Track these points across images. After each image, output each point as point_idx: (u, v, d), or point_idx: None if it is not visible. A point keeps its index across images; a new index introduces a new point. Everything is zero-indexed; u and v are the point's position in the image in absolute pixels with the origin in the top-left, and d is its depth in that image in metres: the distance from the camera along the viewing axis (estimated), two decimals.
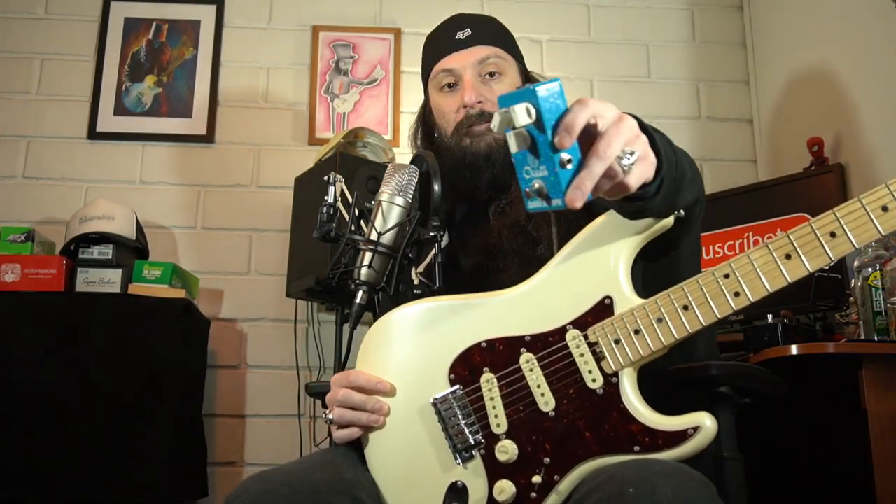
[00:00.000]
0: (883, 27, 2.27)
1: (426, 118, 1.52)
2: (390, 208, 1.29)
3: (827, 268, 0.95)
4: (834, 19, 2.56)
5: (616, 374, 1.05)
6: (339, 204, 1.39)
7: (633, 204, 1.00)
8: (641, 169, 0.89)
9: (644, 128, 0.94)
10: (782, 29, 2.92)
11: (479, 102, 1.39)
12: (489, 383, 1.13)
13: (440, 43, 1.46)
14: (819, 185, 2.41)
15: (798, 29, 2.79)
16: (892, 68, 2.24)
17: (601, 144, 0.83)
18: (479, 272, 1.36)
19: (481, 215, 1.42)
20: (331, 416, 1.21)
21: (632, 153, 0.85)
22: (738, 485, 1.26)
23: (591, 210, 1.13)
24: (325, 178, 1.40)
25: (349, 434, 1.21)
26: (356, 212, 1.33)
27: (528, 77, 1.48)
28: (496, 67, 1.41)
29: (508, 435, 1.10)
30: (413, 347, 1.21)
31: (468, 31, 1.42)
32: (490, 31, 1.46)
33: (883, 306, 1.80)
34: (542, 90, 0.80)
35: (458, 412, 1.13)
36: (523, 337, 1.13)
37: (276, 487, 1.06)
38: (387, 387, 1.19)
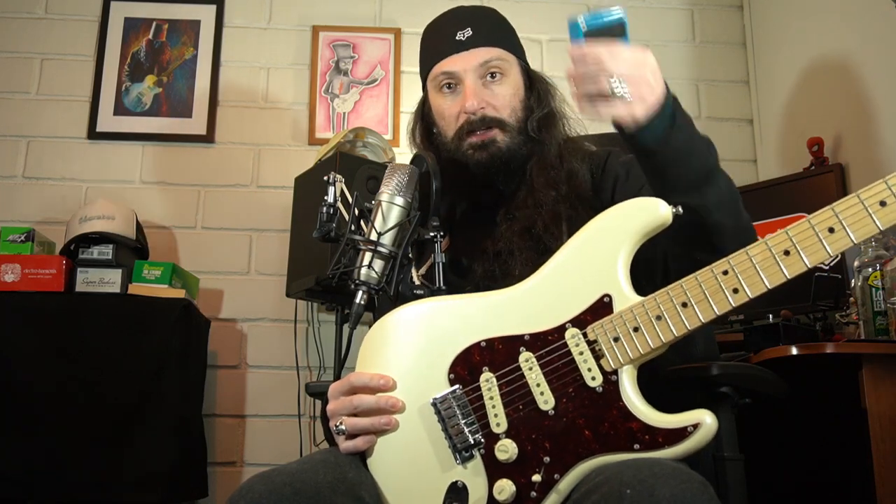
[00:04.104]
0: (884, 27, 2.27)
1: (425, 115, 1.49)
2: (390, 208, 1.29)
3: (827, 267, 0.96)
4: (834, 19, 2.56)
5: (615, 372, 1.05)
6: (339, 204, 1.38)
7: (644, 157, 1.15)
8: (630, 107, 1.08)
9: (672, 105, 1.12)
10: (782, 29, 2.92)
11: (482, 108, 1.37)
12: (488, 382, 1.12)
13: (440, 42, 1.43)
14: (819, 185, 2.41)
15: (798, 29, 2.79)
16: (893, 68, 2.24)
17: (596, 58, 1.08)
18: (485, 277, 1.34)
19: (487, 218, 1.41)
20: (343, 427, 1.17)
21: (622, 83, 1.07)
22: (738, 485, 1.26)
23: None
24: (325, 178, 1.39)
25: (363, 443, 1.17)
26: (356, 212, 1.32)
27: (529, 75, 1.47)
28: (498, 69, 1.39)
29: (508, 434, 1.09)
30: (412, 348, 1.20)
31: (469, 31, 1.39)
32: (492, 31, 1.43)
33: (883, 306, 1.80)
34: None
35: (458, 412, 1.13)
36: (522, 336, 1.12)
37: (279, 488, 1.06)
38: (390, 382, 1.18)
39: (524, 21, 3.13)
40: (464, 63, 1.39)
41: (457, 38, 1.40)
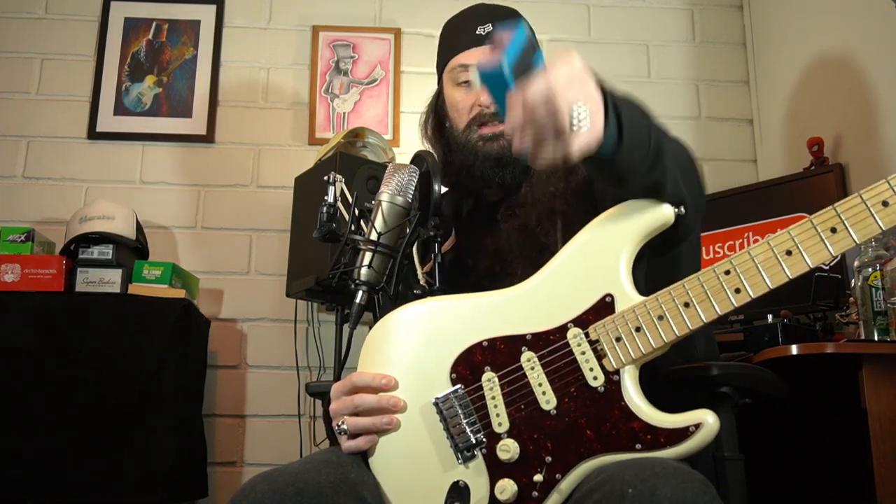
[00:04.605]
0: (884, 27, 2.27)
1: (438, 108, 1.50)
2: (390, 208, 1.29)
3: (827, 267, 0.95)
4: (834, 19, 2.56)
5: (617, 372, 1.05)
6: (339, 204, 1.38)
7: (602, 167, 1.05)
8: (593, 128, 0.93)
9: (606, 93, 0.99)
10: (782, 28, 2.92)
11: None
12: (490, 382, 1.13)
13: (460, 35, 1.44)
14: (819, 185, 2.41)
15: (798, 28, 2.80)
16: (893, 68, 2.25)
17: (547, 96, 0.89)
18: (487, 276, 1.35)
19: (490, 214, 1.41)
20: (345, 427, 1.18)
21: (579, 107, 0.91)
22: (738, 485, 1.26)
23: (596, 210, 1.13)
24: (325, 178, 1.39)
25: (365, 443, 1.18)
26: (356, 212, 1.33)
27: None
28: None
29: (510, 434, 1.10)
30: (414, 347, 1.21)
31: (490, 27, 1.40)
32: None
33: (883, 306, 1.80)
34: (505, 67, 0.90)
35: (460, 411, 1.13)
36: (524, 335, 1.13)
37: (281, 488, 1.06)
38: (392, 382, 1.19)
39: None
40: (482, 57, 1.39)
41: (477, 32, 1.41)
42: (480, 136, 1.38)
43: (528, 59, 0.89)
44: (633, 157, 1.02)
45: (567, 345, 1.09)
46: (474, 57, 1.40)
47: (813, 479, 2.20)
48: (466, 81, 1.42)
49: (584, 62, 0.94)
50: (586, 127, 0.91)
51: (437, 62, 1.51)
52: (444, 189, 1.34)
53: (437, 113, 1.50)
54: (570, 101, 0.90)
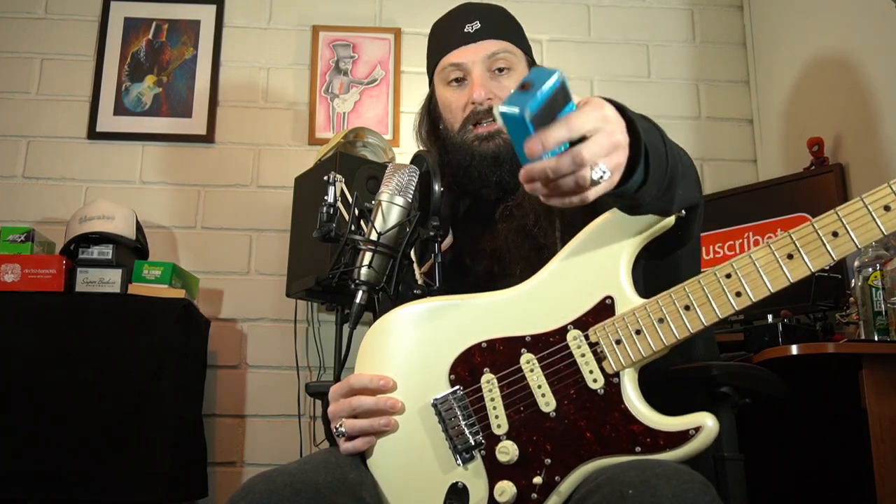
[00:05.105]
0: (884, 27, 2.27)
1: (431, 110, 1.49)
2: (390, 208, 1.29)
3: (827, 268, 0.95)
4: (834, 19, 2.56)
5: (617, 375, 1.05)
6: (339, 204, 1.38)
7: (622, 200, 1.01)
8: (612, 179, 0.89)
9: (627, 115, 0.93)
10: (782, 28, 2.92)
11: (489, 99, 1.36)
12: (490, 384, 1.12)
13: (448, 35, 1.43)
14: (819, 185, 2.41)
15: (798, 28, 2.79)
16: (893, 68, 2.24)
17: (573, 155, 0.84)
18: (486, 276, 1.34)
19: (487, 214, 1.40)
20: (343, 429, 1.19)
21: (603, 171, 0.86)
22: (738, 485, 1.26)
23: (595, 210, 1.13)
24: (325, 178, 1.39)
25: (362, 444, 1.18)
26: (356, 212, 1.32)
27: None
28: (505, 62, 1.39)
29: (509, 435, 1.09)
30: (413, 348, 1.20)
31: (477, 24, 1.40)
32: (500, 24, 1.43)
33: (883, 306, 1.80)
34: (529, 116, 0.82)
35: (459, 413, 1.13)
36: (524, 337, 1.12)
37: (279, 488, 1.06)
38: (390, 383, 1.18)
39: (524, 21, 3.11)
40: (472, 55, 1.39)
41: (465, 30, 1.40)
42: (476, 136, 1.37)
43: (555, 109, 0.84)
44: (651, 190, 1.00)
45: (567, 347, 1.09)
46: (463, 55, 1.39)
47: (813, 479, 2.20)
48: (457, 80, 1.41)
49: (614, 112, 0.90)
50: (605, 182, 0.88)
51: (427, 64, 1.50)
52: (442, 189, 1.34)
53: (431, 115, 1.49)
54: (595, 157, 0.85)
